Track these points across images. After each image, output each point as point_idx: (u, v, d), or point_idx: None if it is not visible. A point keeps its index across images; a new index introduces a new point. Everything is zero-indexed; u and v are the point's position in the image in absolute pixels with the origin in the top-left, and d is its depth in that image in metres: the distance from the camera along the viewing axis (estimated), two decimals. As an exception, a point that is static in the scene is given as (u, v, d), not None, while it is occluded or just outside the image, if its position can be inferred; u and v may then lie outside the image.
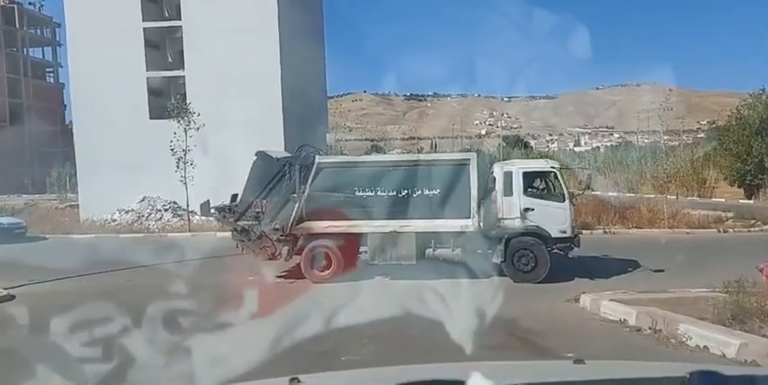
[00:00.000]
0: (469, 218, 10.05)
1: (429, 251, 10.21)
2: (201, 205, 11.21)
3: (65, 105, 48.14)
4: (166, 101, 22.70)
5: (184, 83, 24.04)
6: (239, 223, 10.76)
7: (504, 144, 53.14)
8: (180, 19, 24.09)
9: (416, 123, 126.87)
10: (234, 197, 11.43)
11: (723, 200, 25.07)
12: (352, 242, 10.53)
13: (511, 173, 10.44)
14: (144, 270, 11.40)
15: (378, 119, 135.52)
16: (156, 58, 24.88)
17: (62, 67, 47.29)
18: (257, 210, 10.62)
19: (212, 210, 11.28)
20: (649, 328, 6.08)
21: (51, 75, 54.80)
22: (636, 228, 17.26)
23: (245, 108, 21.62)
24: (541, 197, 10.54)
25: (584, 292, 8.10)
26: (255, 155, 11.03)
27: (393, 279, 9.92)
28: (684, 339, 5.59)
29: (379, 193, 10.29)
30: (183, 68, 24.23)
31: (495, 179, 10.51)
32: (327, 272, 10.33)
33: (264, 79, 22.58)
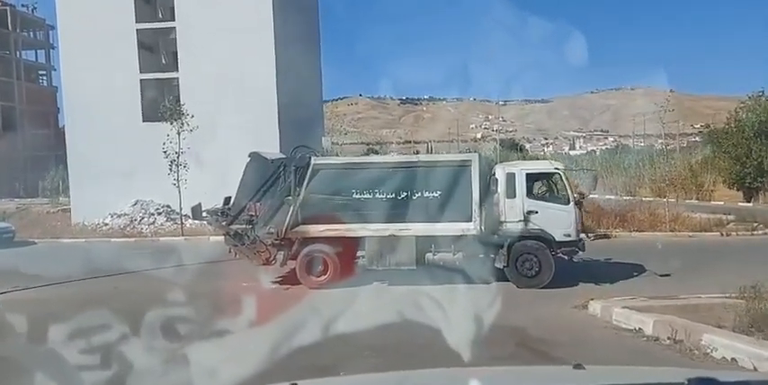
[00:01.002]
0: (471, 221, 9.72)
1: (429, 256, 9.87)
2: (193, 208, 10.83)
3: (58, 109, 47.65)
4: (160, 103, 22.36)
5: (178, 85, 23.69)
6: (232, 227, 10.39)
7: (501, 147, 52.93)
8: (174, 20, 23.75)
9: (412, 127, 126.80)
10: (227, 200, 11.06)
11: (722, 203, 24.87)
12: (349, 246, 10.17)
13: (513, 174, 10.12)
14: (133, 276, 11.01)
15: (373, 123, 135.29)
16: (149, 60, 24.53)
17: (55, 69, 46.81)
18: (251, 213, 10.25)
19: (204, 214, 10.91)
20: (668, 338, 5.72)
21: (45, 78, 54.27)
22: (637, 231, 16.99)
23: (240, 110, 21.34)
24: (545, 199, 10.23)
25: (592, 299, 7.77)
26: (249, 156, 10.66)
27: (392, 285, 9.57)
28: (709, 350, 5.24)
29: (377, 196, 9.95)
30: (177, 70, 23.87)
31: (496, 181, 10.18)
32: (324, 277, 9.97)
33: (260, 81, 22.27)
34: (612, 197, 23.05)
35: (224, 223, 10.55)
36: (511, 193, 10.03)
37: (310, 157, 10.48)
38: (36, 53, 53.75)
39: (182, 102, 21.12)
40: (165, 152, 18.56)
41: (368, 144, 66.61)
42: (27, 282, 10.05)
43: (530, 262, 9.68)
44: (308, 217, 10.04)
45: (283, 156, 11.22)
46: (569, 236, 9.93)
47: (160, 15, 25.06)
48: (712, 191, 27.35)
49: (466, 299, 8.33)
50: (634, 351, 5.59)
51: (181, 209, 18.61)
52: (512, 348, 5.65)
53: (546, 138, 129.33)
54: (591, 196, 12.71)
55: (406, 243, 9.78)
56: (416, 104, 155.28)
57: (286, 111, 23.05)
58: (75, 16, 23.37)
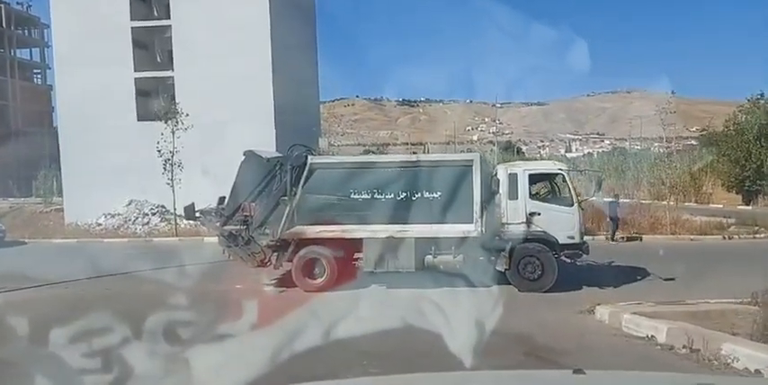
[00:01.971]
0: (472, 223, 9.45)
1: (429, 258, 9.58)
2: (186, 208, 10.53)
3: (53, 107, 47.19)
4: (155, 102, 22.06)
5: (173, 84, 23.40)
6: (226, 228, 10.10)
7: (498, 150, 52.77)
8: (169, 18, 23.46)
9: (409, 129, 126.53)
10: (221, 200, 10.77)
11: (721, 206, 24.69)
12: (347, 248, 9.90)
13: (516, 175, 9.87)
14: (124, 277, 10.70)
15: (370, 124, 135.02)
16: (144, 59, 24.23)
17: (50, 68, 46.40)
18: (245, 213, 9.95)
19: (197, 214, 10.61)
20: (684, 347, 5.44)
21: (39, 76, 53.82)
22: (637, 234, 16.78)
23: (235, 110, 21.07)
24: (548, 201, 9.98)
25: (598, 303, 7.50)
26: (244, 155, 10.37)
27: (391, 288, 9.30)
28: (730, 360, 4.96)
29: (375, 196, 9.68)
30: (173, 69, 23.59)
31: (498, 181, 9.93)
32: (321, 280, 9.69)
33: (256, 81, 22.01)
34: (610, 200, 22.82)
35: (218, 224, 10.26)
36: (513, 194, 9.78)
37: (307, 156, 10.21)
38: (31, 51, 53.30)
39: (176, 101, 20.85)
40: (159, 151, 18.27)
41: (365, 145, 66.33)
42: (14, 283, 9.73)
43: (532, 265, 9.43)
44: (305, 218, 9.76)
45: (279, 155, 10.94)
46: (573, 238, 9.68)
47: (155, 13, 24.75)
48: (711, 194, 27.20)
49: (467, 303, 8.06)
50: (648, 360, 5.31)
51: (175, 209, 18.32)
52: (519, 357, 5.38)
53: (542, 141, 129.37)
54: (592, 199, 12.48)
55: (405, 245, 9.50)
56: (413, 106, 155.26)
57: (282, 111, 22.78)
58: (69, 14, 23.08)
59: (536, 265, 9.41)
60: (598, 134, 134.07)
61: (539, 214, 9.68)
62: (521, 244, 9.54)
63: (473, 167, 9.69)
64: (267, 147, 16.53)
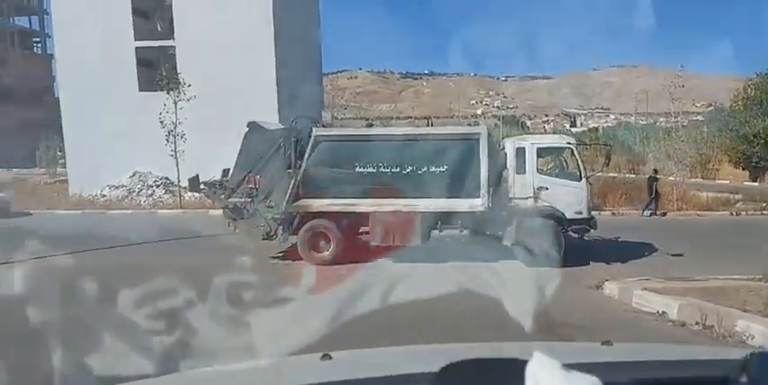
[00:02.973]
0: (479, 197, 9.35)
1: (435, 232, 9.52)
2: (190, 180, 10.44)
3: (53, 77, 46.67)
4: (156, 72, 21.74)
5: (175, 53, 23.01)
6: (231, 200, 10.03)
7: (502, 124, 52.36)
8: (170, -15, 22.92)
9: (412, 102, 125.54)
10: (225, 172, 10.67)
11: (727, 181, 24.52)
12: (352, 222, 9.84)
13: (524, 149, 9.71)
14: (128, 249, 10.68)
15: (373, 97, 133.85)
16: (144, 27, 23.77)
17: (50, 37, 45.73)
18: (250, 186, 9.86)
19: (202, 186, 10.53)
20: (696, 323, 5.41)
21: (39, 45, 53.09)
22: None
23: (237, 81, 20.79)
24: (556, 175, 9.85)
25: (607, 279, 7.45)
26: (247, 126, 10.21)
27: (397, 261, 9.26)
28: (745, 337, 4.93)
29: (381, 170, 9.55)
30: (174, 38, 23.17)
31: (506, 155, 9.78)
32: (326, 253, 9.65)
33: (258, 51, 21.62)
34: (616, 175, 22.66)
35: (222, 196, 10.19)
36: (521, 169, 9.65)
37: (312, 128, 10.05)
38: (30, 19, 52.44)
39: (178, 72, 20.56)
40: (162, 122, 18.10)
41: (367, 119, 65.90)
42: (21, 253, 9.70)
43: (539, 240, 9.35)
44: (310, 191, 9.67)
45: (283, 127, 10.78)
46: (580, 213, 9.60)
47: (155, -20, 24.18)
48: (718, 169, 27.00)
49: (475, 278, 8.03)
50: (663, 336, 5.27)
51: (179, 181, 18.25)
52: (535, 332, 5.33)
53: (547, 115, 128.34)
54: (599, 174, 12.34)
55: (411, 219, 9.43)
56: (416, 79, 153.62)
57: (285, 83, 22.45)
58: (66, -20, 22.53)
59: (543, 240, 9.34)
60: (603, 109, 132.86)
61: (546, 189, 9.57)
62: (528, 219, 9.45)
63: (480, 141, 9.54)
64: (270, 118, 16.38)
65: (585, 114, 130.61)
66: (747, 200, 17.64)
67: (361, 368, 1.31)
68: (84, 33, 21.81)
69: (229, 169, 10.45)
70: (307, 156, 9.67)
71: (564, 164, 10.18)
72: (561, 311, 5.96)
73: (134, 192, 21.47)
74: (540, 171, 9.75)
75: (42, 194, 22.22)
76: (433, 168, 9.50)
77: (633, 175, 23.76)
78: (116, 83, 22.06)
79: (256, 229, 9.89)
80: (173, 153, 18.08)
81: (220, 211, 11.30)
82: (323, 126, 11.53)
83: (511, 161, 9.70)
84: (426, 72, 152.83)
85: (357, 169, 9.60)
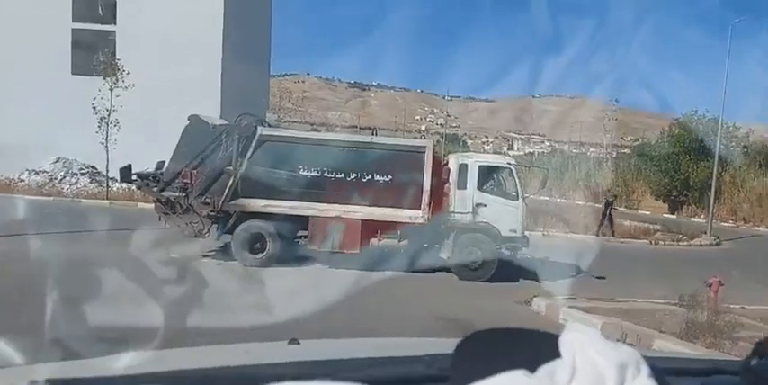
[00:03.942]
0: (420, 209, 9.43)
1: (374, 240, 9.49)
2: (121, 170, 9.93)
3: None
4: (93, 56, 20.70)
5: (115, 39, 22.04)
6: (164, 194, 9.61)
7: (444, 141, 53.43)
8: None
9: (358, 112, 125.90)
10: (160, 164, 10.23)
11: (648, 213, 26.01)
12: (291, 225, 9.63)
13: (467, 165, 9.91)
14: (46, 237, 9.98)
15: (320, 103, 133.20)
16: (84, 9, 22.63)
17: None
18: (186, 180, 9.50)
19: (134, 177, 10.04)
20: (617, 341, 5.63)
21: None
22: (572, 233, 17.38)
23: (180, 73, 20.09)
24: (495, 193, 10.09)
25: (535, 295, 7.67)
26: (188, 119, 9.86)
27: (332, 267, 9.15)
28: (662, 357, 5.19)
29: (325, 174, 9.46)
30: (115, 23, 22.21)
31: (449, 171, 9.94)
32: (261, 255, 9.39)
33: (204, 43, 21.06)
34: (548, 198, 23.58)
35: (155, 188, 9.76)
36: (462, 184, 9.83)
37: (257, 127, 9.83)
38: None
39: (117, 57, 19.66)
40: (94, 108, 17.21)
41: (312, 124, 65.43)
42: None
43: (474, 254, 9.52)
44: (249, 190, 9.43)
45: (227, 123, 10.48)
46: (515, 232, 9.86)
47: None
48: (640, 201, 28.64)
49: (408, 287, 8.05)
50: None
51: (108, 171, 17.37)
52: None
53: (487, 137, 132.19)
54: (532, 196, 12.80)
55: (351, 225, 9.36)
56: (364, 90, 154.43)
57: (230, 79, 21.95)
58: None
59: (478, 255, 9.52)
60: (540, 135, 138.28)
61: (485, 205, 9.78)
62: (465, 233, 9.62)
63: (425, 154, 9.65)
64: (212, 114, 15.92)
65: (523, 139, 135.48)
66: (665, 230, 18.75)
67: (329, 353, 1.27)
68: (16, 10, 20.50)
69: (165, 161, 10.04)
70: (249, 154, 9.44)
71: (503, 183, 10.45)
72: (489, 324, 6.05)
73: (56, 178, 20.23)
74: (480, 188, 9.95)
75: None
76: (378, 177, 9.51)
77: (564, 200, 24.79)
78: (47, 63, 20.84)
79: (189, 225, 9.52)
80: (103, 141, 17.22)
81: (150, 205, 10.84)
82: (269, 126, 11.31)
83: (453, 176, 9.86)
84: (374, 84, 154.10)
85: (301, 172, 9.47)
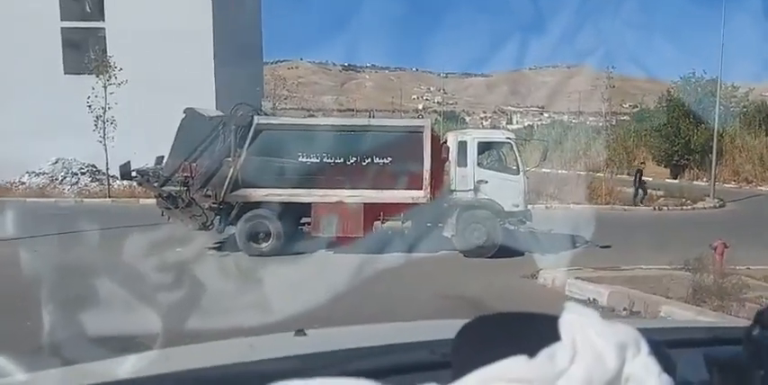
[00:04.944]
0: (421, 189, 9.44)
1: (377, 223, 9.52)
2: (121, 167, 9.93)
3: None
4: (84, 54, 20.53)
5: (105, 36, 21.83)
6: (165, 188, 9.63)
7: (442, 119, 53.18)
8: (99, -37, 21.70)
9: (354, 94, 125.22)
10: (159, 159, 10.24)
11: (650, 178, 25.93)
12: (293, 212, 9.67)
13: (465, 142, 9.88)
14: (50, 239, 10.05)
15: (315, 88, 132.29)
16: (71, 7, 22.38)
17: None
18: (186, 174, 9.50)
19: (134, 174, 10.06)
20: (624, 309, 5.71)
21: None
22: (574, 203, 17.37)
23: (173, 66, 19.95)
24: (496, 169, 10.08)
25: (541, 269, 7.72)
26: (184, 112, 9.83)
27: (338, 253, 9.20)
28: (669, 322, 5.25)
29: (324, 160, 9.45)
30: (104, 20, 21.98)
31: (448, 149, 9.92)
32: (265, 244, 9.44)
33: (195, 36, 20.84)
34: (549, 170, 23.52)
35: (156, 184, 9.78)
36: (462, 162, 9.82)
37: (253, 116, 9.79)
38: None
39: (108, 54, 19.51)
40: (89, 107, 17.15)
41: (309, 110, 65.12)
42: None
43: (478, 231, 9.55)
44: (250, 180, 9.43)
45: (222, 114, 10.45)
46: (518, 206, 9.87)
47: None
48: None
49: (415, 268, 8.10)
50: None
51: (107, 169, 17.38)
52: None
53: (485, 112, 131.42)
54: (533, 170, 12.77)
55: (353, 210, 9.39)
56: (358, 72, 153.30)
57: (223, 68, 21.79)
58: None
59: (482, 232, 9.55)
60: (538, 107, 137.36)
61: (486, 182, 9.78)
62: (467, 211, 9.63)
63: (423, 134, 9.61)
64: (207, 106, 15.87)
65: (521, 112, 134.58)
66: (668, 196, 18.73)
67: (336, 342, 1.28)
68: (5, 10, 20.29)
69: (163, 156, 10.04)
70: (247, 144, 9.43)
71: (503, 158, 10.43)
72: (497, 299, 6.12)
73: (57, 179, 20.25)
74: (480, 164, 9.94)
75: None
76: (377, 160, 9.49)
77: (565, 171, 24.72)
78: (39, 64, 20.68)
79: (192, 219, 9.57)
80: (101, 139, 17.20)
81: (152, 201, 10.87)
82: (264, 115, 11.26)
83: (453, 154, 9.84)
84: (368, 65, 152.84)
85: (300, 159, 9.45)
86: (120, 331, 4.02)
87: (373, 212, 9.49)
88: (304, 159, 9.43)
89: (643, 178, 17.78)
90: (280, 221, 9.45)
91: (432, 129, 9.92)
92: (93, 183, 19.90)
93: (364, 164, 9.46)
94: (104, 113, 17.30)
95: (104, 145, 17.10)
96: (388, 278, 7.33)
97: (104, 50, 20.65)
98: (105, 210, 15.58)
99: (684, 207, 17.17)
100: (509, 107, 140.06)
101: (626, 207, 16.96)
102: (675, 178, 26.19)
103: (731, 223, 13.57)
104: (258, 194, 9.44)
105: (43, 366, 1.10)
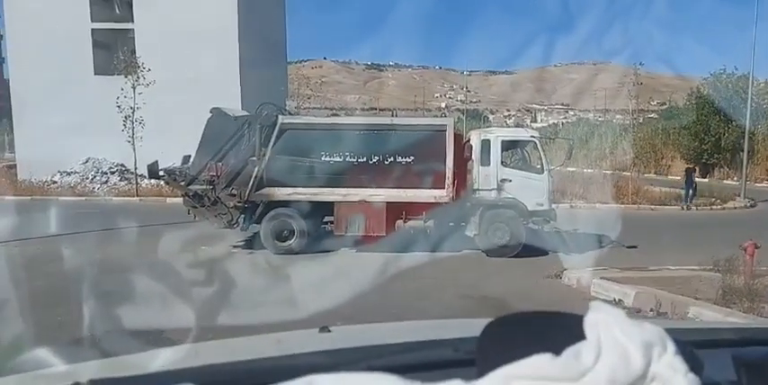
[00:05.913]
0: (444, 188, 9.42)
1: (399, 222, 9.54)
2: (149, 166, 10.13)
3: (3, 58, 44.41)
4: (113, 55, 20.97)
5: (133, 37, 22.25)
6: (191, 187, 9.80)
7: (465, 117, 52.90)
8: (128, -34, 22.13)
9: (377, 93, 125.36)
10: (186, 159, 10.41)
11: (678, 178, 25.40)
12: (317, 211, 9.75)
13: (489, 141, 9.81)
14: (81, 237, 10.31)
15: (338, 87, 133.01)
16: (101, 9, 22.87)
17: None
18: (212, 173, 9.65)
19: (161, 173, 10.25)
20: (651, 310, 5.62)
21: (-15, 24, 50.41)
22: (600, 203, 17.13)
23: (200, 66, 20.26)
24: (520, 168, 10.00)
25: (565, 268, 7.64)
26: (210, 112, 9.98)
27: (360, 251, 9.24)
28: (698, 324, 5.15)
29: (347, 159, 9.50)
30: (133, 21, 22.40)
31: (471, 147, 9.88)
32: (290, 242, 9.54)
33: (221, 37, 21.12)
34: (574, 169, 23.22)
35: (183, 183, 9.95)
36: (485, 161, 9.76)
37: (277, 116, 9.90)
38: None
39: (137, 55, 19.89)
40: (119, 107, 17.51)
41: (332, 109, 65.47)
42: None
43: (501, 231, 9.50)
44: (274, 179, 9.53)
45: (248, 114, 10.58)
46: (542, 205, 9.78)
47: (113, -41, 23.27)
48: (670, 166, 27.99)
49: (437, 267, 8.09)
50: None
51: (136, 168, 17.73)
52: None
53: (508, 110, 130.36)
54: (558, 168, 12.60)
55: (376, 209, 9.42)
56: (382, 71, 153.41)
57: (248, 70, 22.02)
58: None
59: (505, 231, 9.49)
60: (563, 105, 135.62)
61: (510, 181, 9.71)
62: (491, 210, 9.58)
63: (446, 132, 9.59)
64: (232, 106, 16.06)
65: (546, 110, 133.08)
66: (698, 195, 18.33)
67: (361, 339, 1.29)
68: (36, 12, 20.84)
69: (190, 156, 10.21)
70: (272, 143, 9.53)
71: (527, 156, 10.34)
72: (521, 299, 6.08)
73: (87, 178, 20.76)
74: (503, 163, 9.87)
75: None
76: (400, 159, 9.50)
77: (591, 170, 24.34)
78: (70, 65, 21.18)
79: (217, 217, 9.71)
80: (129, 139, 17.55)
81: (178, 199, 11.06)
82: (289, 114, 11.37)
83: (476, 153, 9.80)
84: (391, 64, 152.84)
85: (323, 158, 9.52)
86: (149, 326, 4.12)
87: (396, 211, 9.50)
88: (327, 158, 9.50)
89: (694, 177, 17.63)
90: (303, 220, 9.53)
91: (455, 128, 9.88)
92: (122, 182, 20.33)
93: (387, 163, 9.48)
94: (133, 113, 17.62)
95: (133, 145, 17.43)
96: (410, 277, 7.34)
97: (133, 51, 21.05)
98: (134, 208, 15.91)
99: (714, 206, 16.80)
100: (533, 105, 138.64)
101: (653, 206, 16.65)
102: (705, 177, 25.61)
103: (762, 223, 13.22)
104: (282, 193, 9.54)
105: (80, 358, 1.14)
